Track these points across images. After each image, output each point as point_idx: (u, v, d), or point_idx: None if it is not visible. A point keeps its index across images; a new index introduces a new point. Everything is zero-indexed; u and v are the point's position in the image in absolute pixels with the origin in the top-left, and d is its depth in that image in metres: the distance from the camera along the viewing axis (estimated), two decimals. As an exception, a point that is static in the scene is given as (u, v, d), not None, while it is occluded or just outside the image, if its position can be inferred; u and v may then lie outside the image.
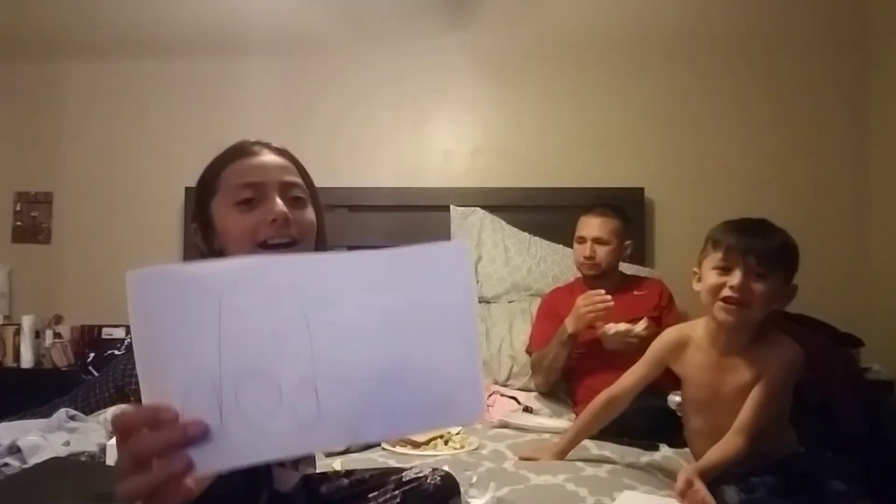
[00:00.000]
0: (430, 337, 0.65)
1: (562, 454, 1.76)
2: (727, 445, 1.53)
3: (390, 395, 0.63)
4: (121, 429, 0.60)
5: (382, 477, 1.23)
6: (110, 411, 1.90)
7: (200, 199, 1.10)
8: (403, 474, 1.23)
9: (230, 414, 0.59)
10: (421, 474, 1.22)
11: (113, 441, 1.69)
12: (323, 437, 0.62)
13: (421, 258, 0.66)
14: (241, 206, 1.04)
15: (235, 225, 1.03)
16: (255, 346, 0.61)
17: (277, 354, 0.61)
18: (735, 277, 1.54)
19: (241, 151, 1.10)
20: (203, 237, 1.09)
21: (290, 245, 1.02)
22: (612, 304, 2.21)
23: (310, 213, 1.08)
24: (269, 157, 1.09)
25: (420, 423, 0.65)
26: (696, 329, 1.71)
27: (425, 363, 0.64)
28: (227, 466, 0.60)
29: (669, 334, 1.76)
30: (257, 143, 1.12)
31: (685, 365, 1.70)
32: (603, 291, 2.24)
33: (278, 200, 1.04)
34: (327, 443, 0.66)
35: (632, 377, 1.75)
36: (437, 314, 0.65)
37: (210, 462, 0.59)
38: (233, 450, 0.59)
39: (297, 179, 1.09)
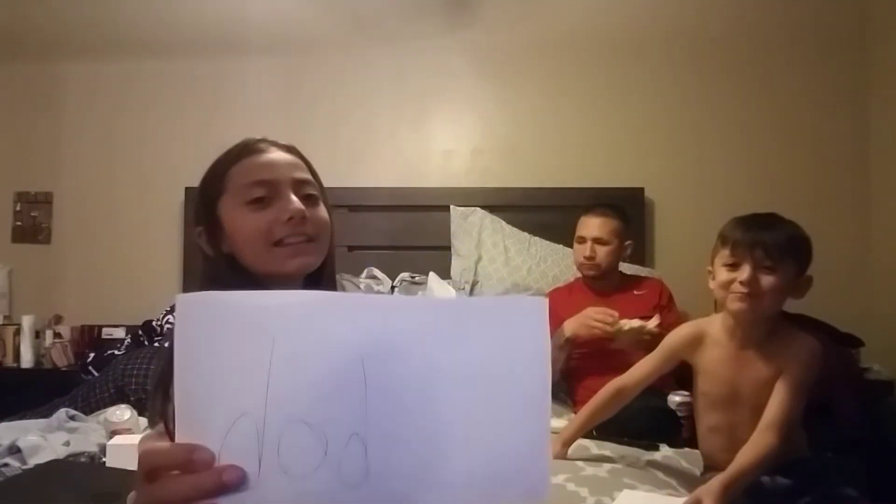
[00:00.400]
0: (496, 402, 0.58)
1: (568, 442, 1.75)
2: (757, 445, 1.47)
3: (446, 462, 0.56)
4: (148, 468, 0.54)
5: None
6: (110, 411, 1.90)
7: (205, 201, 1.05)
8: None
9: (270, 463, 0.54)
10: None
11: (113, 441, 1.69)
12: (367, 500, 0.55)
13: (492, 312, 0.59)
14: (253, 205, 0.99)
15: (248, 224, 0.98)
16: (305, 391, 0.55)
17: (328, 403, 0.55)
18: (744, 272, 1.54)
19: (247, 149, 1.05)
20: (209, 239, 1.05)
21: (307, 243, 0.99)
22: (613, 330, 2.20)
23: (323, 211, 1.06)
24: (277, 155, 1.05)
25: (476, 498, 0.58)
26: (713, 324, 1.70)
27: (489, 431, 0.57)
28: None
29: (685, 328, 1.75)
30: (263, 140, 1.08)
31: (702, 359, 1.68)
32: (616, 314, 2.22)
33: (293, 198, 1.00)
34: None
35: (642, 369, 1.74)
36: (507, 377, 0.58)
37: None
38: (266, 502, 0.54)
39: (309, 177, 1.06)
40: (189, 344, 0.55)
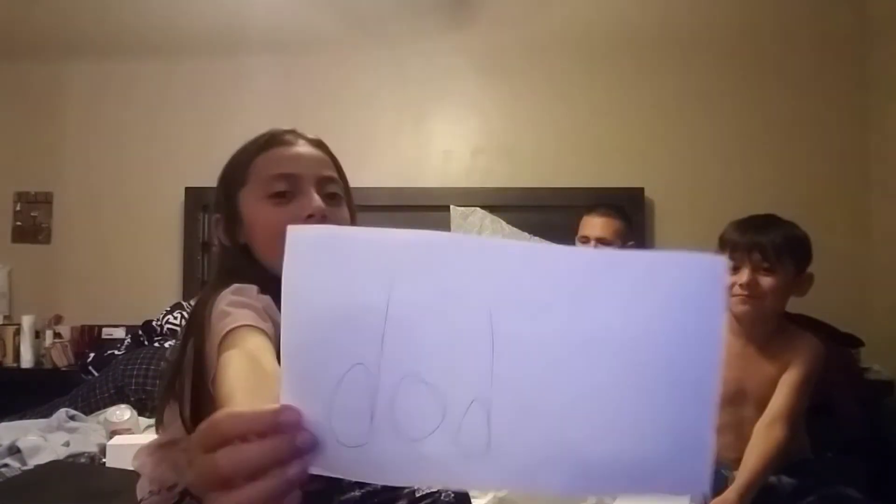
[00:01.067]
0: (653, 377, 0.47)
1: None
2: (766, 441, 1.48)
3: (583, 441, 0.47)
4: (219, 438, 0.46)
5: (395, 490, 1.18)
6: (110, 411, 1.90)
7: (227, 189, 1.02)
8: (416, 487, 1.17)
9: (382, 420, 0.48)
10: (433, 488, 1.16)
11: (114, 441, 1.68)
12: (486, 473, 0.48)
13: (659, 268, 0.48)
14: (275, 199, 0.97)
15: (267, 218, 0.96)
16: (424, 346, 0.48)
17: (450, 362, 0.48)
18: (743, 275, 1.56)
19: (274, 140, 1.02)
20: (226, 229, 1.03)
21: None
22: None
23: (345, 212, 1.03)
24: (305, 149, 1.03)
25: (617, 485, 0.49)
26: None
27: (641, 410, 0.47)
28: (365, 478, 0.49)
29: None
30: (292, 132, 1.05)
31: None
32: None
33: (315, 195, 0.98)
34: (491, 481, 0.52)
35: None
36: (670, 349, 0.47)
37: (335, 466, 0.48)
38: (375, 463, 0.48)
39: (334, 174, 1.04)
40: (298, 283, 0.49)
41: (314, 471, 0.47)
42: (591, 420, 0.47)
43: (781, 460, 1.48)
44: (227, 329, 0.78)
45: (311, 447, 0.47)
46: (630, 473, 0.47)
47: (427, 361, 0.48)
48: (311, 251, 0.50)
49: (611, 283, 0.47)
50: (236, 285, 0.90)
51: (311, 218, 0.95)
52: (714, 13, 3.08)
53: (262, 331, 0.78)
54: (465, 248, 0.49)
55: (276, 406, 0.48)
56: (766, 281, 1.56)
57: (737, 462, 1.56)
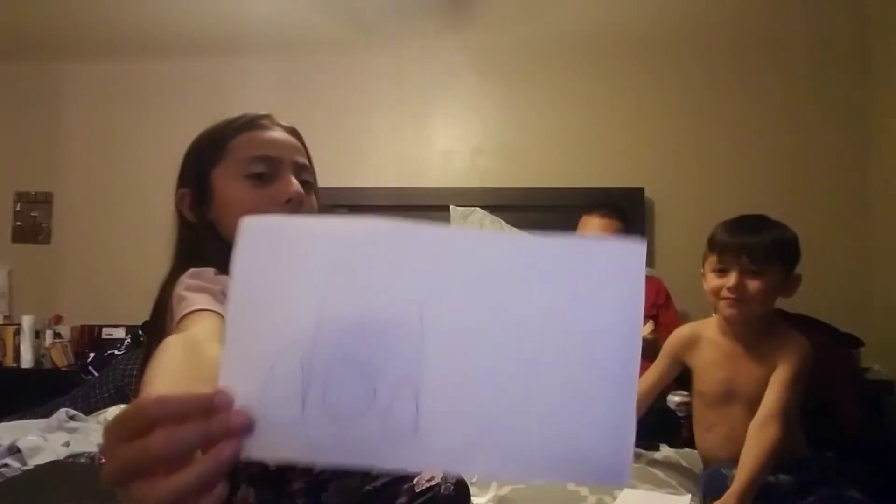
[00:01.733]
0: (575, 363, 0.49)
1: None
2: (760, 440, 1.48)
3: (509, 426, 0.49)
4: (149, 420, 0.43)
5: (394, 485, 1.21)
6: (110, 411, 1.90)
7: (199, 165, 1.04)
8: (415, 482, 1.18)
9: (314, 402, 0.49)
10: (433, 482, 1.17)
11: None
12: (414, 454, 0.49)
13: (580, 254, 0.51)
14: (252, 179, 0.99)
15: (243, 197, 0.98)
16: (357, 328, 0.50)
17: (380, 343, 0.50)
18: (731, 279, 1.57)
19: (252, 123, 1.05)
20: (191, 204, 1.04)
21: None
22: None
23: (315, 201, 1.05)
24: (281, 134, 1.05)
25: (541, 470, 0.50)
26: (708, 325, 1.74)
27: (563, 396, 0.49)
28: (299, 460, 0.50)
29: (682, 331, 1.79)
30: (268, 116, 1.08)
31: (698, 360, 1.72)
32: None
33: (294, 180, 1.00)
34: (417, 462, 0.53)
35: (649, 378, 1.76)
36: (591, 334, 0.49)
37: (267, 449, 0.48)
38: (308, 444, 0.49)
39: (307, 163, 1.06)
40: (246, 270, 0.51)
41: (248, 455, 0.47)
42: (517, 405, 0.49)
43: (778, 459, 1.49)
44: (182, 314, 0.79)
45: (246, 429, 0.47)
46: (555, 459, 0.49)
47: (360, 343, 0.50)
48: (262, 240, 0.52)
49: (536, 269, 0.50)
50: (193, 269, 0.91)
51: (289, 202, 0.97)
52: (714, 13, 3.08)
53: (218, 313, 0.79)
54: (403, 234, 0.51)
55: (209, 391, 0.47)
56: (754, 284, 1.56)
57: (730, 461, 1.58)
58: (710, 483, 1.61)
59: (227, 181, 1.00)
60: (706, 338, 1.71)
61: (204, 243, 1.02)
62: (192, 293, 0.84)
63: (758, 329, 1.63)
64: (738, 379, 1.63)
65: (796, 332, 1.65)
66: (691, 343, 1.73)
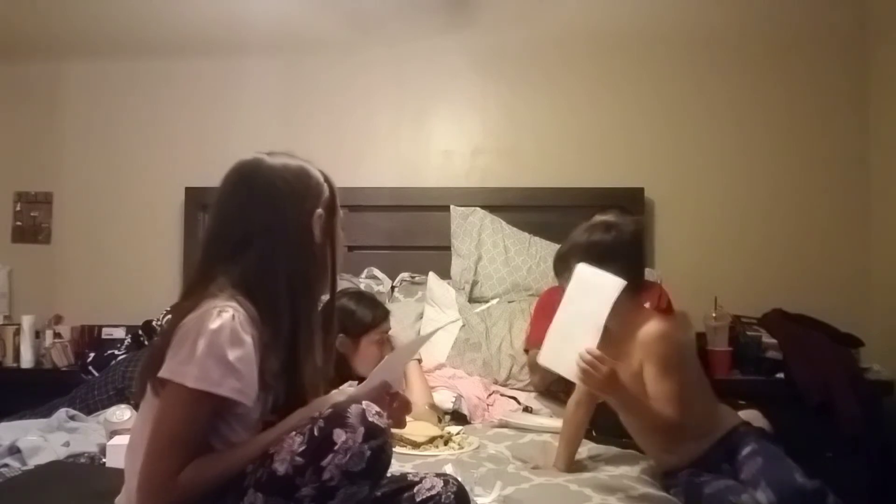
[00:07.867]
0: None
1: (569, 468, 1.76)
2: (658, 410, 1.60)
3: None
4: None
5: (395, 495, 1.21)
6: (110, 411, 1.90)
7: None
8: (416, 490, 1.20)
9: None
10: (434, 491, 1.20)
11: (113, 441, 1.68)
12: None
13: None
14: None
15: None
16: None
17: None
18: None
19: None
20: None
21: None
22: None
23: None
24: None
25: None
26: None
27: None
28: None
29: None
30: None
31: None
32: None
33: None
34: None
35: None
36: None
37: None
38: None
39: None
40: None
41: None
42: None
43: (663, 430, 1.62)
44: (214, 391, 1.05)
45: None
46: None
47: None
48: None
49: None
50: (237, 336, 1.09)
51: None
52: (714, 13, 3.08)
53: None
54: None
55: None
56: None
57: (656, 457, 1.77)
58: None
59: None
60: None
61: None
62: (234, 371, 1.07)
63: (618, 330, 1.67)
64: (626, 380, 1.63)
65: (651, 321, 1.70)
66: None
